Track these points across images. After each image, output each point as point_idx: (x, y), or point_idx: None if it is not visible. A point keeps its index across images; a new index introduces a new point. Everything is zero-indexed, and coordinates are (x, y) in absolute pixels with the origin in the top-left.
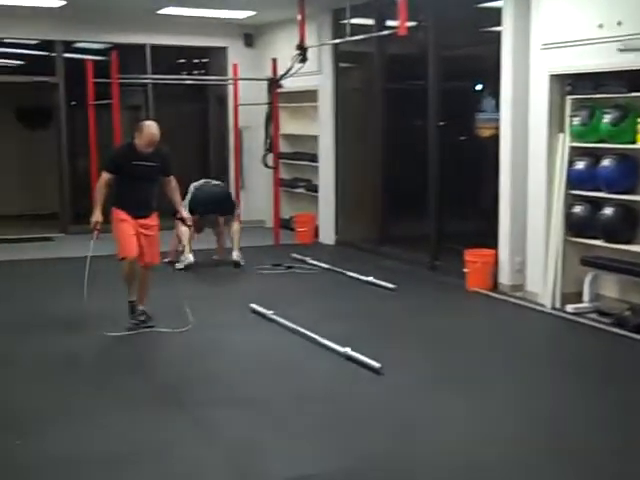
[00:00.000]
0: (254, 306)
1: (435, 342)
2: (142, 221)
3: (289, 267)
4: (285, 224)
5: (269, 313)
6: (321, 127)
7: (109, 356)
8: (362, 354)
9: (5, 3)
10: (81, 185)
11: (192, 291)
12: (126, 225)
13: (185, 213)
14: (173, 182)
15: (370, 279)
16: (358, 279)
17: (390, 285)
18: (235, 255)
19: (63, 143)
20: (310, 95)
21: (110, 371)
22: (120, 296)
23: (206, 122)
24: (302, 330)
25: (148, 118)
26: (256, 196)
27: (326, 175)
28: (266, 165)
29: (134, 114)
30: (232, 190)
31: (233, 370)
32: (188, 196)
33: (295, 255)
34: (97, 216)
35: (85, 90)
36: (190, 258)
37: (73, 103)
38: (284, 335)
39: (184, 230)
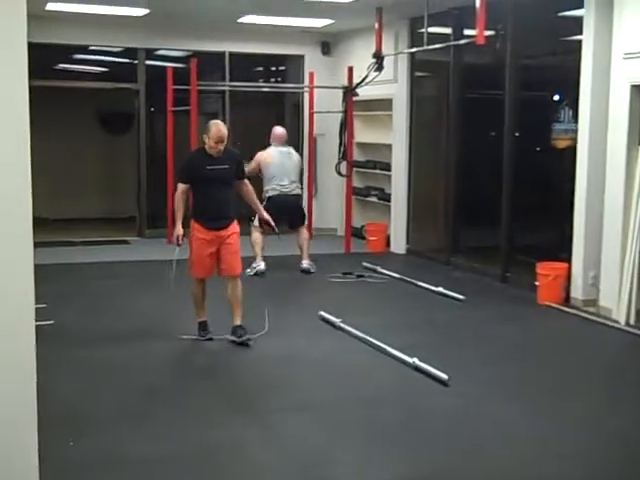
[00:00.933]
0: (323, 314)
1: (504, 355)
2: (221, 232)
3: (360, 276)
4: (357, 232)
5: (338, 321)
6: (395, 136)
7: (183, 360)
8: (430, 365)
9: (91, 11)
10: (158, 190)
11: (262, 298)
12: (201, 245)
13: (265, 215)
14: (248, 185)
15: (440, 289)
16: (428, 289)
17: (460, 296)
18: (305, 263)
19: (142, 148)
20: (385, 104)
21: (183, 375)
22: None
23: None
24: (370, 339)
25: (225, 122)
26: (328, 204)
27: (399, 184)
28: (339, 173)
29: (211, 120)
30: (305, 197)
31: (302, 376)
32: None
33: (366, 264)
34: (178, 229)
35: (165, 96)
36: (261, 265)
37: (153, 109)
38: (352, 343)
39: (256, 237)
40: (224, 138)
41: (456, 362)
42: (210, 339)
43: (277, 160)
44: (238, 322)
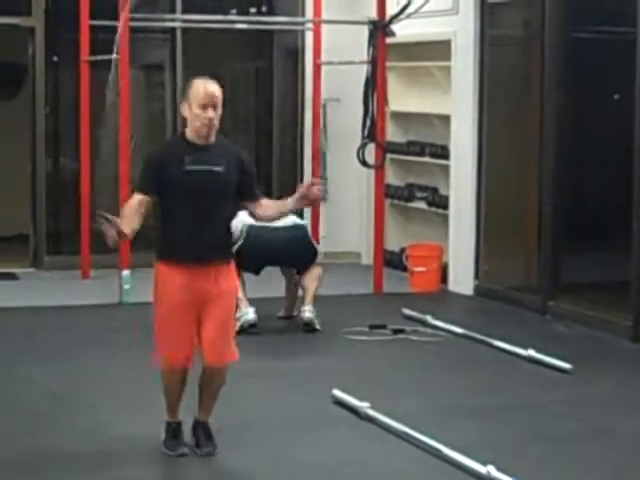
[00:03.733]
0: (338, 393)
1: (632, 463)
2: (206, 285)
3: (398, 331)
4: (393, 260)
5: (363, 406)
6: (455, 102)
7: None
8: (515, 477)
9: None
10: (65, 192)
11: (247, 364)
12: (174, 305)
13: (298, 193)
14: (267, 202)
15: (531, 353)
16: (511, 353)
17: (564, 365)
18: (307, 311)
19: (39, 122)
20: (439, 49)
21: None
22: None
23: (268, 92)
24: (417, 435)
25: (175, 79)
26: (346, 213)
27: (462, 181)
28: (364, 162)
29: (153, 77)
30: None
31: None
32: (237, 240)
33: (408, 311)
34: (119, 223)
35: (76, 39)
36: (250, 314)
37: (56, 59)
38: (386, 442)
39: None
40: (217, 101)
41: (557, 473)
42: (183, 454)
43: None
44: (204, 417)
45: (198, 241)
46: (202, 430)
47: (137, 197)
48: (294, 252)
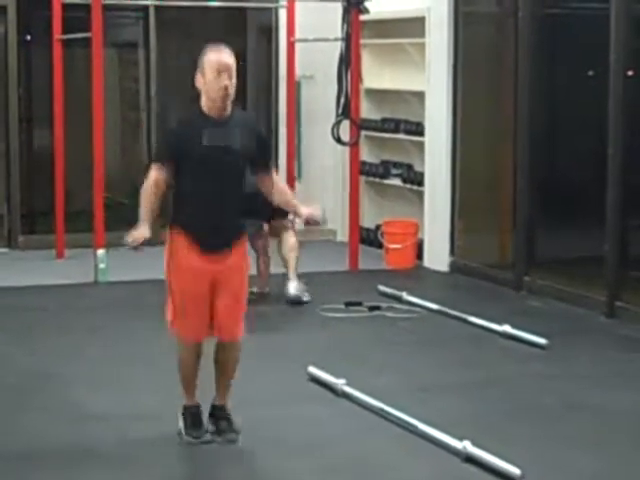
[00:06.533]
0: (314, 371)
1: (611, 437)
2: (220, 262)
3: (374, 308)
4: (368, 237)
5: (339, 383)
6: (429, 79)
7: None
8: (491, 452)
9: None
10: (40, 171)
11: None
12: (187, 277)
13: (306, 209)
14: (279, 180)
15: (506, 329)
16: (487, 329)
17: (540, 340)
18: (292, 287)
19: (12, 101)
20: (413, 26)
21: None
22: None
23: (242, 70)
24: (393, 411)
25: (149, 58)
26: (321, 191)
27: (437, 158)
28: (338, 140)
29: (126, 55)
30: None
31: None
32: None
33: (384, 288)
34: (143, 232)
35: (49, 17)
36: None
37: (29, 37)
38: (364, 419)
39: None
40: (231, 69)
41: (533, 448)
42: (206, 442)
43: None
44: (221, 401)
45: (214, 220)
46: (221, 416)
47: (152, 177)
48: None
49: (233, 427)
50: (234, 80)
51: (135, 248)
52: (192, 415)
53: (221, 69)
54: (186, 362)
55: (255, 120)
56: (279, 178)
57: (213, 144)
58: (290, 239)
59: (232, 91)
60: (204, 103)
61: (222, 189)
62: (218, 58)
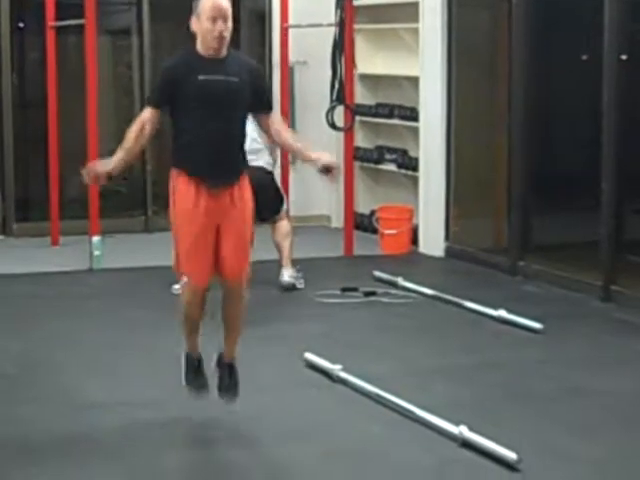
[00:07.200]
0: (310, 356)
1: (605, 421)
2: (224, 197)
3: (369, 293)
4: (363, 223)
5: (335, 369)
6: (423, 64)
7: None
8: (487, 437)
9: None
10: (34, 157)
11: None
12: (193, 216)
13: (316, 155)
14: (280, 123)
15: (501, 314)
16: (482, 314)
17: (535, 324)
18: (287, 275)
19: (5, 88)
20: (407, 11)
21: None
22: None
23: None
24: (389, 397)
25: (142, 45)
26: (315, 176)
27: (431, 143)
28: (333, 125)
29: (119, 42)
30: (277, 168)
31: (275, 467)
32: None
33: (379, 273)
34: (103, 164)
35: (42, 4)
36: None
37: (22, 25)
38: (360, 405)
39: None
40: (226, 14)
41: (529, 433)
42: (204, 390)
43: None
44: (229, 356)
45: (215, 156)
46: (227, 373)
47: (146, 115)
48: (262, 192)
49: (236, 388)
50: (230, 24)
51: (94, 180)
52: (193, 364)
53: (216, 14)
54: (190, 304)
55: (252, 61)
56: (281, 119)
57: (210, 77)
58: (284, 226)
59: (227, 34)
60: (199, 46)
61: (221, 124)
62: (213, 2)
